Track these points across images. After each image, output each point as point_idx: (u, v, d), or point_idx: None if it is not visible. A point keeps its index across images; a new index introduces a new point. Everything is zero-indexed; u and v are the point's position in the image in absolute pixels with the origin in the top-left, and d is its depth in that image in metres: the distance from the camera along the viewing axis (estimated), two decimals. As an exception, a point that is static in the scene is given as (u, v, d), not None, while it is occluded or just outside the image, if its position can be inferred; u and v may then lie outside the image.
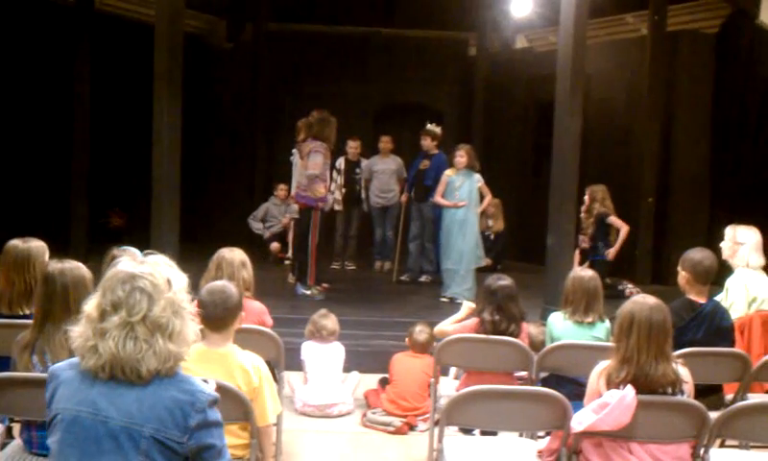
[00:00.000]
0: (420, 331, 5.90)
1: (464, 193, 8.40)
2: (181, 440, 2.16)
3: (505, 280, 4.90)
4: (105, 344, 2.15)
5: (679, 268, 4.77)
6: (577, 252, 9.02)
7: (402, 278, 9.70)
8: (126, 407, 2.15)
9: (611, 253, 8.75)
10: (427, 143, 9.40)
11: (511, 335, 4.74)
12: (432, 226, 9.37)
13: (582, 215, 8.97)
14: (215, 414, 2.24)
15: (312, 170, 8.00)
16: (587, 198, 9.01)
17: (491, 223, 10.77)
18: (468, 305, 5.23)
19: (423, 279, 9.62)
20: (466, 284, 8.40)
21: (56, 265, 3.45)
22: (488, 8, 12.46)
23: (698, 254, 4.71)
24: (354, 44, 13.14)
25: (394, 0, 13.09)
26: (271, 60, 13.02)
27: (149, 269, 2.23)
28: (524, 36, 13.23)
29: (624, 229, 8.77)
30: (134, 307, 2.17)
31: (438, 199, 8.60)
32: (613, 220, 8.83)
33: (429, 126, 9.49)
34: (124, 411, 2.15)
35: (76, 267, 3.47)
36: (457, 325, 5.10)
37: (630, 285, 8.95)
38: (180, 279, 2.30)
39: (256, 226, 11.09)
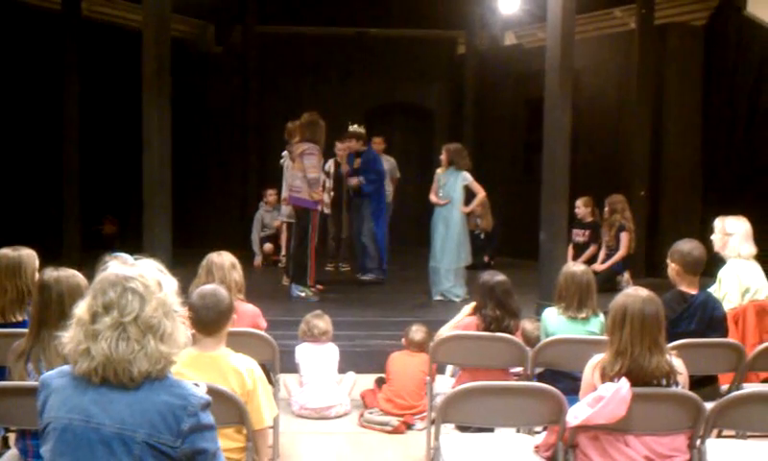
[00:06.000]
0: (417, 330, 5.91)
1: (446, 191, 8.40)
2: (174, 444, 2.15)
3: (500, 276, 4.94)
4: (97, 346, 2.14)
5: (668, 260, 4.78)
6: (570, 247, 9.04)
7: (364, 276, 9.56)
8: (118, 413, 2.14)
9: (600, 267, 8.82)
10: (353, 144, 9.39)
11: (509, 331, 4.77)
12: (370, 223, 9.31)
13: (602, 229, 9.13)
14: (208, 417, 2.23)
15: (311, 173, 8.05)
16: (606, 209, 9.07)
17: (479, 221, 10.74)
18: (468, 308, 5.23)
19: (367, 277, 9.49)
20: (448, 282, 8.39)
21: (51, 273, 3.43)
22: (476, 5, 12.49)
23: (686, 246, 4.72)
24: (343, 45, 13.16)
25: (381, 0, 13.08)
26: (260, 62, 13.04)
27: (139, 271, 2.23)
28: (513, 32, 13.26)
29: (623, 251, 8.92)
30: (126, 308, 2.16)
31: (430, 196, 8.61)
32: (624, 238, 8.94)
33: (351, 128, 9.48)
34: (116, 417, 2.14)
35: (72, 275, 3.45)
36: (456, 323, 5.12)
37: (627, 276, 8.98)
38: (170, 282, 2.29)
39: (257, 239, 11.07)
